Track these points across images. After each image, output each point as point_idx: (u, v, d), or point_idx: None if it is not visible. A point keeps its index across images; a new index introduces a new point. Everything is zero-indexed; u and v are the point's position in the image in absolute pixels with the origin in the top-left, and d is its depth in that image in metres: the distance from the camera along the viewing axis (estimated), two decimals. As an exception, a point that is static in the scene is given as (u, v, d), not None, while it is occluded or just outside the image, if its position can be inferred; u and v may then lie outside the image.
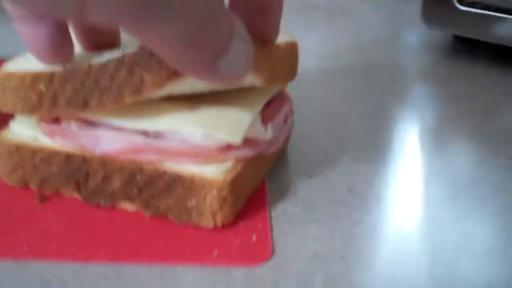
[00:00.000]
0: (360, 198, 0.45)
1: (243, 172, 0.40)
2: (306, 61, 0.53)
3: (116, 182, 0.40)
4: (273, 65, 0.41)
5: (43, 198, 0.41)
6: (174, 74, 0.36)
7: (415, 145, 0.54)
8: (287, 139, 0.48)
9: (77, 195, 0.41)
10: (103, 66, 0.37)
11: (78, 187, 0.41)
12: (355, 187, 0.46)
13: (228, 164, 0.39)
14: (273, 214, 0.42)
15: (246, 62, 0.31)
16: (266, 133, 0.42)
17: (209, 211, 0.39)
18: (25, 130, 0.42)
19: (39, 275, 0.35)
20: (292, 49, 0.44)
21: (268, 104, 0.44)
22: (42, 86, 0.38)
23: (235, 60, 0.30)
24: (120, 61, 0.36)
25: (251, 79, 0.40)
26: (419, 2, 0.71)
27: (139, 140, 0.39)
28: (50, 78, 0.38)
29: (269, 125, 0.42)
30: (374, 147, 0.52)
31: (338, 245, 0.40)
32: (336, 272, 0.37)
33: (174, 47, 0.27)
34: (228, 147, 0.39)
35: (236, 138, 0.38)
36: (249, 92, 0.42)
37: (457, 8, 0.71)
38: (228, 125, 0.39)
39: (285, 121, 0.46)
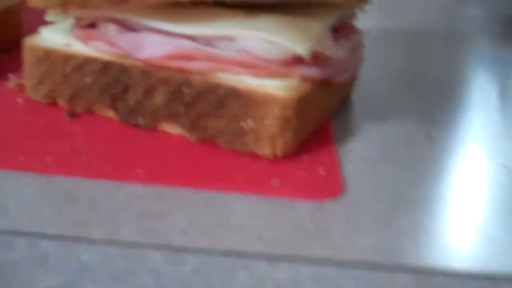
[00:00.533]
0: (441, 146, 0.38)
1: (310, 94, 0.34)
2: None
3: (159, 97, 0.33)
4: None
5: (73, 115, 0.35)
6: None
7: (493, 98, 0.47)
8: (354, 76, 0.41)
9: (112, 114, 0.35)
10: None
11: (114, 103, 0.35)
12: (434, 134, 0.39)
13: (293, 81, 0.33)
14: (341, 151, 0.35)
15: None
16: (337, 51, 0.35)
17: (268, 135, 0.32)
18: (56, 36, 0.36)
19: (64, 190, 0.29)
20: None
21: (337, 28, 0.37)
22: None
23: None
24: None
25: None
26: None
27: (190, 44, 0.33)
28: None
29: (343, 44, 0.36)
30: (450, 96, 0.45)
31: (421, 188, 0.33)
32: (420, 214, 0.30)
33: None
34: (294, 61, 0.33)
35: (304, 48, 0.32)
36: (318, 7, 0.35)
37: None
38: (296, 32, 0.32)
39: (355, 51, 0.39)
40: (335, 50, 0.35)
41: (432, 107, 0.43)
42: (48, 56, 0.35)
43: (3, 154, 0.31)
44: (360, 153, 0.36)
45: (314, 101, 0.34)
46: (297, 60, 0.33)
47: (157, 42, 0.33)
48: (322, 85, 0.35)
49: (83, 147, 0.32)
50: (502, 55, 0.57)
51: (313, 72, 0.34)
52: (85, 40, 0.35)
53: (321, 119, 0.37)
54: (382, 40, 0.58)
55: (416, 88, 0.47)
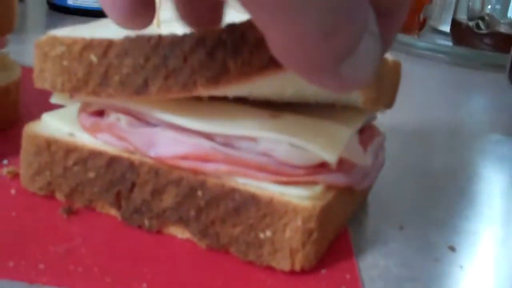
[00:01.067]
0: (465, 258, 0.35)
1: (333, 203, 0.31)
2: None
3: (169, 198, 0.31)
4: (378, 83, 0.32)
5: (70, 211, 0.32)
6: (266, 67, 0.27)
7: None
8: (373, 180, 0.39)
9: (114, 212, 0.32)
10: (176, 41, 0.28)
11: (118, 201, 0.32)
12: (457, 245, 0.36)
13: (317, 189, 0.30)
14: (362, 265, 0.32)
15: (373, 65, 0.23)
16: (365, 158, 0.33)
17: (288, 248, 0.29)
18: (60, 124, 0.33)
19: (57, 306, 0.25)
20: (396, 69, 0.36)
21: (361, 131, 0.35)
22: (93, 57, 0.29)
23: (362, 61, 0.22)
24: (199, 39, 0.28)
25: (354, 95, 0.32)
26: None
27: (206, 144, 0.30)
28: (105, 48, 0.29)
29: (368, 150, 0.34)
30: (468, 202, 0.43)
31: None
32: None
33: (300, 40, 0.20)
34: (319, 167, 0.30)
35: (332, 156, 0.29)
36: (343, 112, 0.33)
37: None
38: (323, 138, 0.30)
39: (377, 154, 0.37)
40: (362, 157, 0.32)
41: (450, 212, 0.41)
42: (50, 146, 0.32)
43: (-10, 259, 0.27)
44: (382, 268, 0.33)
45: (336, 210, 0.32)
46: (322, 167, 0.30)
47: (171, 140, 0.30)
48: (345, 193, 0.33)
49: (81, 252, 0.29)
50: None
51: (338, 179, 0.31)
52: (92, 131, 0.32)
53: (341, 227, 0.34)
54: (392, 137, 0.56)
55: (431, 189, 0.45)
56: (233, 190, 0.29)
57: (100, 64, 0.30)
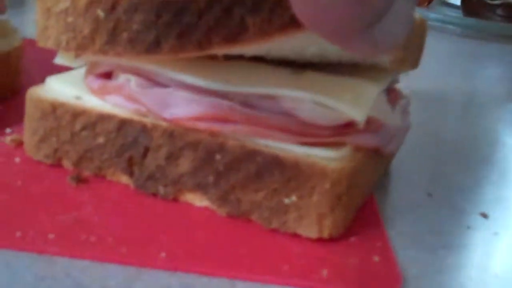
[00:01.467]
0: (499, 225, 0.33)
1: (362, 166, 0.29)
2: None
3: (186, 163, 0.28)
4: (406, 42, 0.30)
5: (79, 179, 0.30)
6: (288, 26, 0.25)
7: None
8: (399, 143, 0.36)
9: (126, 180, 0.30)
10: None
11: (130, 168, 0.29)
12: (489, 211, 0.34)
13: (345, 150, 0.28)
14: (391, 233, 0.30)
15: (406, 26, 0.21)
16: (394, 117, 0.30)
17: (315, 213, 0.27)
18: (66, 87, 0.31)
19: (69, 276, 0.23)
20: (422, 28, 0.34)
21: (387, 92, 0.33)
22: (100, 12, 0.27)
23: (394, 24, 0.20)
24: None
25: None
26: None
27: (224, 104, 0.28)
28: (114, 2, 0.27)
29: (397, 108, 0.31)
30: (495, 169, 0.41)
31: (490, 281, 0.27)
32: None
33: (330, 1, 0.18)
34: (346, 127, 0.28)
35: (361, 114, 0.27)
36: (369, 69, 0.31)
37: None
38: (350, 95, 0.28)
39: (403, 117, 0.35)
40: (391, 116, 0.30)
41: (478, 179, 0.39)
42: (55, 110, 0.30)
43: (-4, 228, 0.25)
44: (413, 235, 0.30)
45: (364, 174, 0.30)
46: (349, 127, 0.28)
47: (186, 100, 0.28)
48: (372, 155, 0.30)
49: (92, 221, 0.27)
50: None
51: (367, 140, 0.29)
52: (101, 93, 0.30)
53: (368, 193, 0.32)
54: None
55: (455, 156, 0.42)
56: (255, 152, 0.27)
57: (108, 19, 0.27)
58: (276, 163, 0.27)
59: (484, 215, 0.34)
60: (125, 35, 0.27)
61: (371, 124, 0.29)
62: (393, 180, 0.37)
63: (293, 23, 0.24)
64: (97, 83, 0.30)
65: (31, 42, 0.40)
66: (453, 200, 0.35)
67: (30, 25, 0.58)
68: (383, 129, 0.30)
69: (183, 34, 0.26)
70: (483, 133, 0.49)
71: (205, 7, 0.26)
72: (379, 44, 0.20)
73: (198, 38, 0.26)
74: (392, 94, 0.33)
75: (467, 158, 0.42)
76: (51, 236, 0.25)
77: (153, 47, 0.27)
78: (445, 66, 0.75)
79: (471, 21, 0.92)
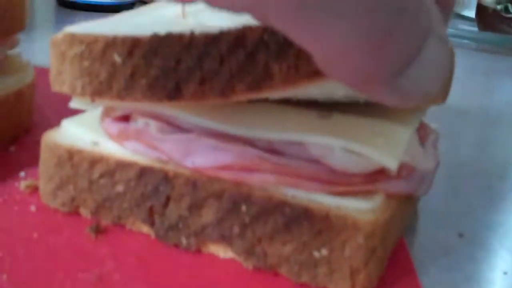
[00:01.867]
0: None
1: (395, 214, 0.27)
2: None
3: (210, 214, 0.27)
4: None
5: (99, 230, 0.28)
6: (315, 73, 0.23)
7: None
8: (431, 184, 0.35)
9: (147, 230, 0.29)
10: (212, 40, 0.25)
11: (151, 218, 0.28)
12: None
13: (378, 200, 0.26)
14: (425, 281, 0.29)
15: (439, 73, 0.19)
16: (427, 160, 0.29)
17: (348, 268, 0.26)
18: (82, 132, 0.30)
19: None
20: (451, 58, 0.32)
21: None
22: (117, 57, 0.26)
23: (426, 71, 0.18)
24: (238, 38, 0.24)
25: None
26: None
27: (251, 152, 0.26)
28: (131, 46, 0.26)
29: (427, 145, 0.30)
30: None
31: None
32: None
33: (343, 53, 0.16)
34: (378, 174, 0.27)
35: (393, 160, 0.26)
36: (398, 110, 0.29)
37: None
38: (382, 141, 0.26)
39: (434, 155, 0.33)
40: (423, 158, 0.29)
41: (507, 212, 0.37)
42: (72, 157, 0.29)
43: (12, 290, 0.24)
44: (447, 285, 0.29)
45: (396, 221, 0.28)
46: (381, 174, 0.27)
47: (210, 148, 0.27)
48: (404, 200, 0.29)
49: (114, 279, 0.25)
50: None
51: (399, 187, 0.27)
52: (119, 139, 0.28)
53: (399, 236, 0.31)
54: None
55: (484, 189, 0.41)
56: (283, 203, 0.26)
57: (125, 65, 0.26)
58: (305, 215, 0.26)
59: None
60: (143, 81, 0.26)
61: (403, 170, 0.27)
62: (421, 219, 0.35)
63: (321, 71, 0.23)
64: (115, 128, 0.29)
65: (42, 72, 0.39)
66: (486, 240, 0.33)
67: (40, 50, 0.57)
68: (415, 172, 0.28)
69: (205, 80, 0.25)
70: (505, 153, 0.48)
71: (228, 52, 0.24)
72: (409, 93, 0.18)
73: (220, 85, 0.25)
74: (421, 131, 0.32)
75: (497, 190, 0.41)
76: (70, 299, 0.24)
77: (173, 94, 0.26)
78: (461, 82, 0.73)
79: (486, 35, 0.90)
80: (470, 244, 0.33)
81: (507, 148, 0.50)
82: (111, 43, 0.26)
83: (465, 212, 0.37)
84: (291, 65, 0.24)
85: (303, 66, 0.23)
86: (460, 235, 0.34)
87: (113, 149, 0.29)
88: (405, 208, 0.30)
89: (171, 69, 0.25)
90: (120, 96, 0.27)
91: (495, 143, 0.52)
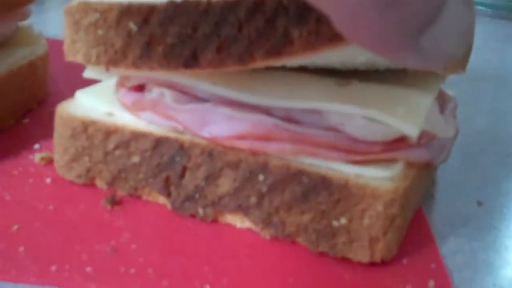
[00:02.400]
0: None
1: (414, 183, 0.27)
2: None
3: (226, 184, 0.27)
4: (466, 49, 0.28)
5: (114, 201, 0.28)
6: (336, 38, 0.23)
7: None
8: (449, 152, 0.34)
9: (164, 200, 0.28)
10: (230, 6, 0.24)
11: (167, 188, 0.28)
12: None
13: (397, 168, 0.26)
14: (444, 251, 0.28)
15: (461, 34, 0.18)
16: (448, 129, 0.28)
17: (367, 237, 0.25)
18: (97, 103, 0.29)
19: (109, 317, 0.22)
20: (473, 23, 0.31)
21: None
22: (132, 25, 0.25)
23: (447, 32, 0.17)
24: (256, 3, 0.24)
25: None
26: None
27: (267, 121, 0.26)
28: (147, 14, 0.25)
29: (447, 118, 0.29)
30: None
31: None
32: None
33: (360, 12, 0.16)
34: (398, 142, 0.26)
35: (414, 128, 0.25)
36: (417, 76, 0.29)
37: None
38: (401, 109, 0.26)
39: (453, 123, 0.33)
40: (443, 126, 0.28)
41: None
42: (87, 129, 0.28)
43: (30, 263, 0.24)
44: (467, 253, 0.29)
45: (416, 190, 0.28)
46: (401, 142, 0.26)
47: (226, 117, 0.26)
48: (423, 169, 0.28)
49: (130, 250, 0.25)
50: None
51: (420, 155, 0.27)
52: (134, 110, 0.28)
53: (417, 206, 0.30)
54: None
55: (503, 156, 0.40)
56: (300, 172, 0.26)
57: (141, 33, 0.25)
58: (323, 183, 0.25)
59: (541, 226, 0.32)
60: (159, 49, 0.25)
61: (424, 138, 0.27)
62: (440, 187, 0.35)
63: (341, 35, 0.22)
64: (130, 98, 0.28)
65: (55, 43, 0.39)
66: (506, 209, 0.33)
67: (52, 21, 0.56)
68: (435, 140, 0.28)
69: (223, 47, 0.24)
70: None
71: (246, 18, 0.24)
72: (430, 55, 0.18)
73: (238, 52, 0.24)
74: (440, 99, 0.31)
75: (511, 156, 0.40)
76: (88, 269, 0.24)
77: (190, 62, 0.25)
78: (479, 49, 0.72)
79: (502, 1, 0.88)
80: (489, 213, 0.32)
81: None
82: (126, 10, 0.25)
83: (484, 181, 0.36)
84: (311, 30, 0.23)
85: (323, 31, 0.23)
86: (479, 203, 0.33)
87: (128, 119, 0.28)
88: (424, 177, 0.29)
89: (188, 37, 0.25)
90: (136, 65, 0.26)
91: (511, 111, 0.51)
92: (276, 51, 0.24)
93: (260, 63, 0.24)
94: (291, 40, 0.23)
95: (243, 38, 0.24)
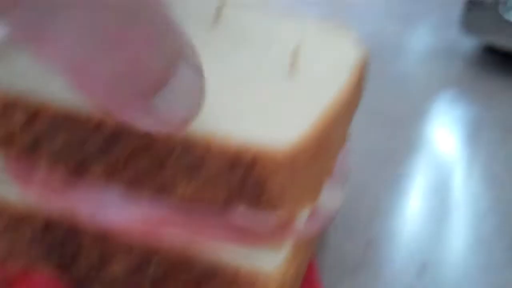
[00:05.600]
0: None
1: (303, 254, 0.28)
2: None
3: (119, 267, 0.27)
4: None
5: (7, 281, 0.28)
6: None
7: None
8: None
9: (59, 278, 0.28)
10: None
11: (61, 269, 0.28)
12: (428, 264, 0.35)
13: (285, 250, 0.27)
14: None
15: (194, 96, 0.20)
16: (335, 195, 0.30)
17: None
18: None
19: None
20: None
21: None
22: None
23: (181, 94, 0.19)
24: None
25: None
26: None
27: (161, 207, 0.26)
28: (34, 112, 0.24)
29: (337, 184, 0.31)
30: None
31: None
32: None
33: (78, 65, 0.17)
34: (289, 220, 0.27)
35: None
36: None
37: (501, 17, 0.63)
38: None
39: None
40: (334, 195, 0.29)
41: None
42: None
43: None
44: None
45: (305, 257, 0.29)
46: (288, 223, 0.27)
47: (119, 201, 0.26)
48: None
49: None
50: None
51: (310, 230, 0.28)
52: (22, 184, 0.27)
53: (309, 262, 0.32)
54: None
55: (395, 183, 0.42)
56: (191, 261, 0.26)
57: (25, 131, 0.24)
58: (215, 271, 0.26)
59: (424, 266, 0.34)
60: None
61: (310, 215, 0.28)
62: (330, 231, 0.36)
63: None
64: (19, 171, 0.27)
65: None
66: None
67: None
68: (321, 213, 0.29)
69: None
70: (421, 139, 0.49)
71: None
72: (164, 116, 0.19)
73: None
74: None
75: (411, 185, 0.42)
76: None
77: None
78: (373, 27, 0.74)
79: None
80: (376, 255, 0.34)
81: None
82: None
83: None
84: None
85: None
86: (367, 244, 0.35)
87: (15, 194, 0.27)
88: (314, 240, 0.31)
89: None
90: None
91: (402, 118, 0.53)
92: None
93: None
94: None
95: None
